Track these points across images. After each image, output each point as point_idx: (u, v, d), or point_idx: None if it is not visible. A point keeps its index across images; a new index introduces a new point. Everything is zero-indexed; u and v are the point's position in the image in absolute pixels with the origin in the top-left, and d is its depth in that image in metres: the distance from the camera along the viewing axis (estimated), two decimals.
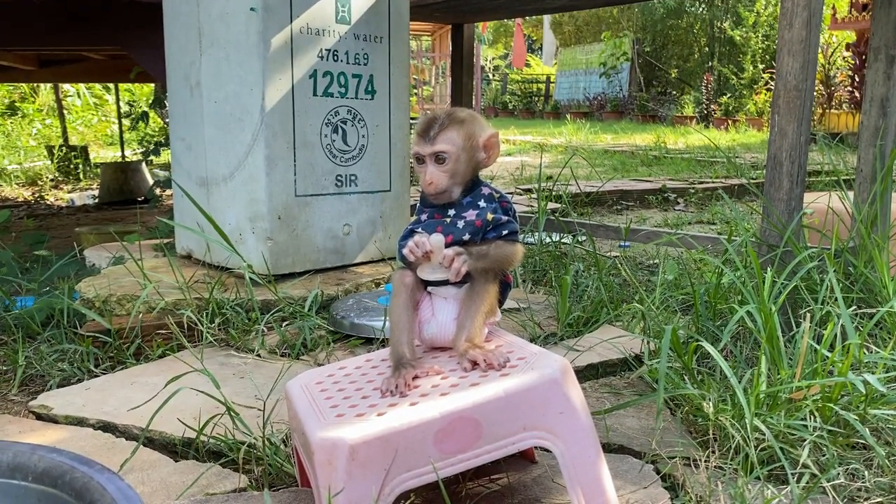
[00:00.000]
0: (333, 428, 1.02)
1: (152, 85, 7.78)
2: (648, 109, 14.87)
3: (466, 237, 1.23)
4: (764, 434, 1.26)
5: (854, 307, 1.69)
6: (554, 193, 3.42)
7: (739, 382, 1.35)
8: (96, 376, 1.81)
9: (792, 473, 1.20)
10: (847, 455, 1.30)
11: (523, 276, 2.60)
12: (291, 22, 2.30)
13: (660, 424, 1.45)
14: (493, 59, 25.55)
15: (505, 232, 1.25)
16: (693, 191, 5.28)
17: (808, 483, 1.22)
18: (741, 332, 1.77)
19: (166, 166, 5.71)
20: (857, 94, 10.51)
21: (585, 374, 1.78)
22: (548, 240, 2.88)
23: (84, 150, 8.09)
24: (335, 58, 2.43)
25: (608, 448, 1.41)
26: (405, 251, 1.20)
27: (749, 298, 1.62)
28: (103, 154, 9.79)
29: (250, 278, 2.10)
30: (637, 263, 2.89)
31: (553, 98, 18.64)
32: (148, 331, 1.97)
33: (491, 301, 1.23)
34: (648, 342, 1.77)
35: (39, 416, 1.60)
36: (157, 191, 4.60)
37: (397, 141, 2.65)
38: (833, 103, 11.14)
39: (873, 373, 1.40)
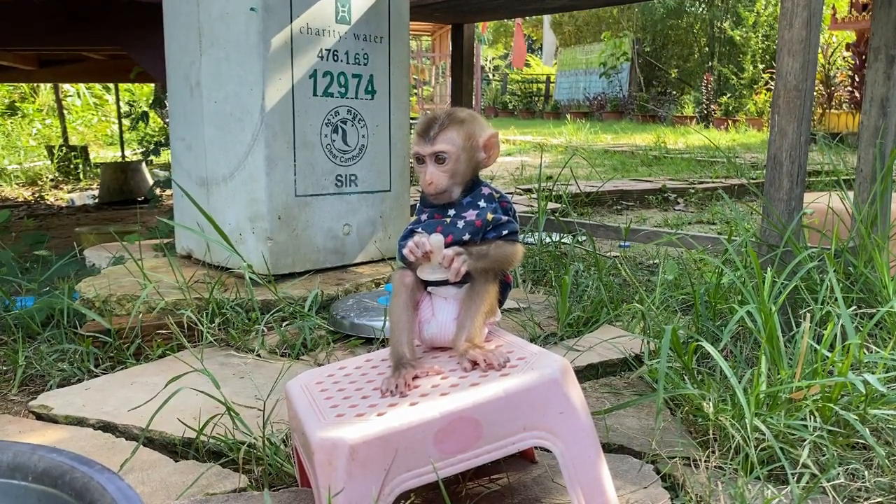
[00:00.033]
0: (333, 428, 1.02)
1: (152, 85, 7.78)
2: (648, 109, 14.86)
3: (466, 237, 1.23)
4: (764, 434, 1.25)
5: (854, 307, 1.69)
6: (554, 193, 3.42)
7: (739, 382, 1.35)
8: (96, 376, 1.81)
9: (792, 473, 1.20)
10: (847, 455, 1.30)
11: (523, 276, 2.60)
12: (291, 22, 2.30)
13: (660, 424, 1.45)
14: (493, 59, 25.55)
15: (505, 232, 1.25)
16: (693, 191, 5.28)
17: (808, 483, 1.22)
18: (741, 332, 1.77)
19: (166, 166, 5.71)
20: (857, 94, 10.51)
21: (585, 374, 1.78)
22: (548, 240, 2.88)
23: (84, 150, 8.09)
24: (335, 58, 2.43)
25: (608, 448, 1.41)
26: (405, 251, 1.20)
27: (749, 298, 1.62)
28: (103, 154, 9.79)
29: (250, 278, 2.10)
30: (637, 263, 2.89)
31: (553, 98, 18.64)
32: (148, 331, 1.97)
33: (491, 301, 1.23)
34: (648, 342, 1.77)
35: (39, 416, 1.60)
36: (157, 191, 4.60)
37: (397, 141, 2.65)
38: (833, 103, 11.14)
39: (873, 373, 1.40)
